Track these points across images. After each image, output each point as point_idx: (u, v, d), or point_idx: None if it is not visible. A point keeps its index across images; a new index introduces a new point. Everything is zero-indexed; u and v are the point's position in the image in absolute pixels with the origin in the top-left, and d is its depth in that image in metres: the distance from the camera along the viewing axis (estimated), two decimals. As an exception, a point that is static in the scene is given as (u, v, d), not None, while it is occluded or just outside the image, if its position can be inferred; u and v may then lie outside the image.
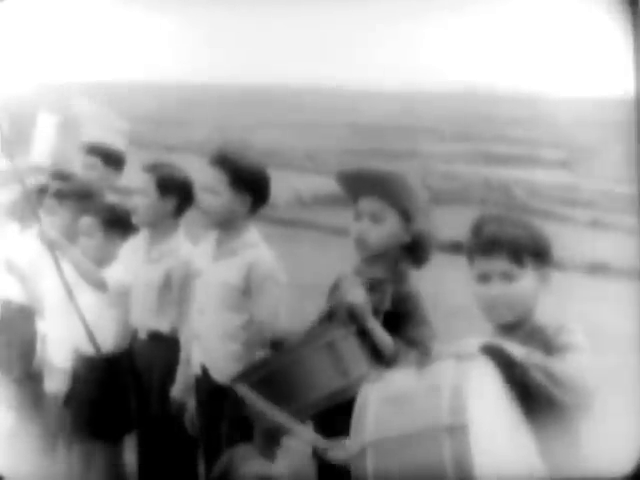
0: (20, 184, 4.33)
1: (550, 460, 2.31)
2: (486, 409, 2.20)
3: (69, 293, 4.05)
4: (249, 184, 3.57)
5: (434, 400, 2.17)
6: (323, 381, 2.79)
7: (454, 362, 2.25)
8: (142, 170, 4.00)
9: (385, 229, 3.12)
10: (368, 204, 3.14)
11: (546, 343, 2.46)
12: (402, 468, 2.15)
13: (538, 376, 2.32)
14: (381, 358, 2.91)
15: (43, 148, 4.91)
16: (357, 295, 2.97)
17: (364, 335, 2.94)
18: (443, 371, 2.24)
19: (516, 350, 2.35)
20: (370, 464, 2.18)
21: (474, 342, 2.34)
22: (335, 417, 2.80)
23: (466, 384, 2.17)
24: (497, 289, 2.53)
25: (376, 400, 2.26)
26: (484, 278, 2.56)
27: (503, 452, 2.20)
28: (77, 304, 4.03)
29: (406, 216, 3.11)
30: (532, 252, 2.54)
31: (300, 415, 2.81)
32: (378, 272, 3.10)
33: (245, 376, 2.93)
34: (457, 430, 2.09)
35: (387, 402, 2.24)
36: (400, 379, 2.32)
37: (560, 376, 2.34)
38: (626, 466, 2.57)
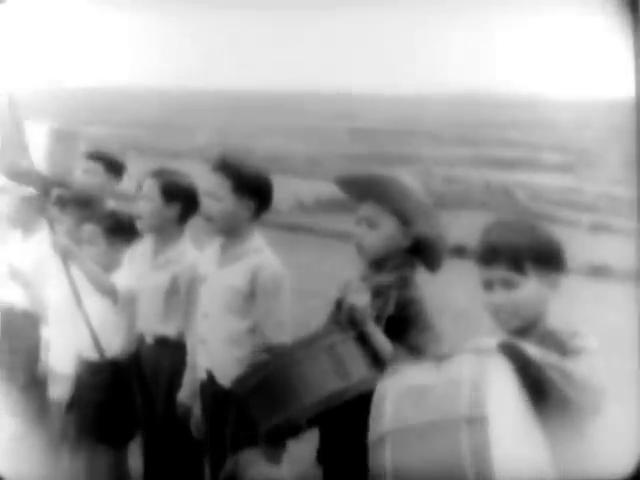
0: (22, 192, 4.35)
1: (554, 459, 2.33)
2: (503, 404, 2.22)
3: (78, 300, 4.06)
4: (252, 189, 3.58)
5: (453, 392, 2.19)
6: (322, 383, 2.81)
7: (473, 356, 2.27)
8: (147, 176, 4.01)
9: (381, 234, 3.12)
10: (365, 209, 3.15)
11: (559, 346, 2.48)
12: (420, 458, 2.17)
13: (554, 376, 2.34)
14: (381, 362, 2.92)
15: (42, 155, 4.91)
16: (359, 299, 2.98)
17: (364, 339, 2.95)
18: (462, 365, 2.26)
19: (532, 350, 2.36)
20: (388, 454, 2.21)
21: (492, 340, 2.36)
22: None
23: (485, 378, 2.19)
24: (499, 296, 2.55)
25: (395, 392, 2.29)
26: (488, 285, 2.58)
27: (518, 447, 2.22)
28: (85, 310, 4.05)
29: (404, 220, 3.11)
30: (534, 259, 2.54)
31: (299, 416, 2.83)
32: (383, 277, 3.11)
33: (245, 379, 2.94)
34: (476, 422, 2.12)
35: (406, 394, 2.27)
36: (419, 372, 2.34)
37: (576, 377, 2.36)
38: (627, 467, 2.58)
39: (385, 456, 2.21)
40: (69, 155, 4.97)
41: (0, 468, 3.72)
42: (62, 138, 5.02)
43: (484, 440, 2.10)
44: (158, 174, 4.00)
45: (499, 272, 2.53)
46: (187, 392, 3.75)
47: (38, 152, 4.81)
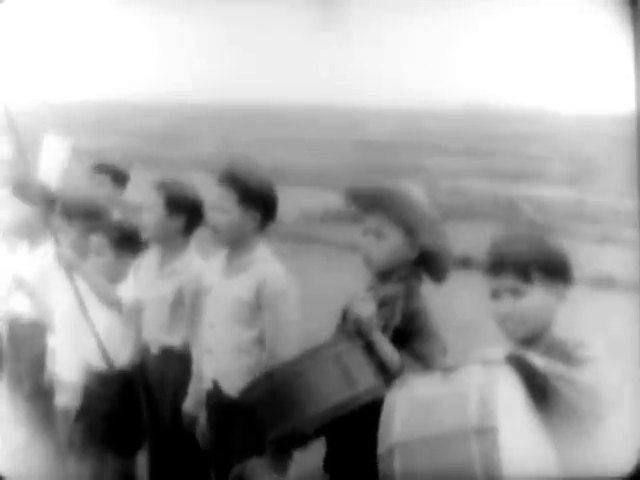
0: (29, 203, 4.38)
1: (559, 460, 2.35)
2: (511, 413, 2.24)
3: (84, 311, 4.08)
4: (258, 201, 3.60)
5: (462, 403, 2.21)
6: (329, 393, 2.81)
7: (480, 367, 2.29)
8: (151, 187, 4.03)
9: (387, 245, 3.14)
10: (372, 220, 3.17)
11: (565, 356, 2.49)
12: (430, 470, 2.18)
13: (559, 386, 2.36)
14: (388, 372, 2.93)
15: (49, 166, 4.94)
16: (364, 309, 2.99)
17: (371, 349, 2.96)
18: (470, 375, 2.28)
19: (538, 361, 2.39)
20: (398, 465, 2.22)
21: (499, 351, 2.39)
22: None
23: (493, 388, 2.20)
24: (507, 305, 2.57)
25: (403, 403, 2.30)
26: (495, 294, 2.60)
27: (526, 455, 2.23)
28: (91, 321, 4.06)
29: (410, 232, 3.13)
30: (542, 269, 2.57)
31: (306, 426, 2.84)
32: (389, 288, 3.12)
33: (252, 388, 2.95)
34: (486, 432, 2.13)
35: (414, 405, 2.28)
36: (426, 384, 2.36)
37: (581, 386, 2.38)
38: (626, 467, 2.59)
39: (395, 468, 2.22)
40: (74, 167, 5.00)
41: (6, 476, 3.73)
42: (67, 150, 5.05)
43: (494, 450, 2.11)
44: (162, 185, 4.02)
45: (507, 281, 2.56)
46: (192, 402, 3.76)
47: (43, 165, 4.85)
